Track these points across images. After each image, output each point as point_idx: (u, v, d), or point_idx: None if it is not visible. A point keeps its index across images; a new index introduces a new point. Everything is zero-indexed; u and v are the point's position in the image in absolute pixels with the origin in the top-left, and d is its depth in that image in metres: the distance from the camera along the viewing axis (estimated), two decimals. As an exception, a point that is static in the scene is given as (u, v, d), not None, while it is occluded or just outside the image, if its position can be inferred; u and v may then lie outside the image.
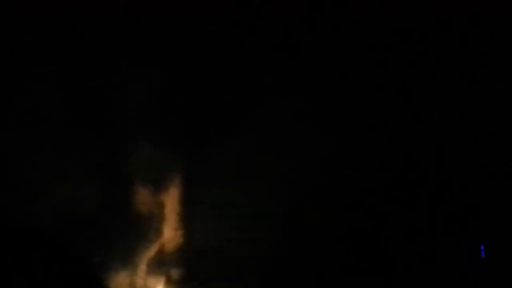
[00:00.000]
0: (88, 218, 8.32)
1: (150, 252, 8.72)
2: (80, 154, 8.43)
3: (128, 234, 8.56)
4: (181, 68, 8.71)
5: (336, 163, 9.05)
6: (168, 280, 8.77)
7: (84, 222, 8.28)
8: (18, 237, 7.11)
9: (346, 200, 9.03)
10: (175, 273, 8.80)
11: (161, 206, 8.78)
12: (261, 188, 8.69)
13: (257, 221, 8.60)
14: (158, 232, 8.74)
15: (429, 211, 8.97)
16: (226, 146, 8.70)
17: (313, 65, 8.91)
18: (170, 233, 8.78)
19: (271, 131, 8.85)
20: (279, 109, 8.81)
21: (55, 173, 8.24)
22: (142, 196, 8.67)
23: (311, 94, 8.90)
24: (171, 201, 8.77)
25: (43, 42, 8.17)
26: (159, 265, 8.76)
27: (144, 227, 8.68)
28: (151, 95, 8.61)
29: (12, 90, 8.28)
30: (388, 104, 9.13)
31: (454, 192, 9.00)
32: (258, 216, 8.64)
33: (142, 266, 8.67)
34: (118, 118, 8.55)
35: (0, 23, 8.07)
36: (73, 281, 7.08)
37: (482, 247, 8.85)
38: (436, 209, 8.97)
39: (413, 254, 8.88)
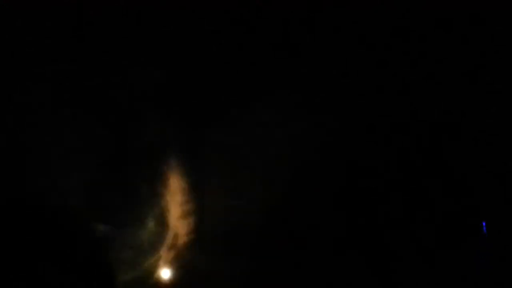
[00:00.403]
0: (95, 196, 8.38)
1: (156, 226, 8.78)
2: (87, 136, 8.48)
3: (134, 210, 8.63)
4: (183, 58, 8.73)
5: (335, 163, 9.08)
6: (173, 249, 8.84)
7: (91, 200, 8.32)
8: (24, 217, 7.09)
9: (344, 198, 9.08)
10: (181, 243, 8.87)
11: (166, 185, 8.83)
12: (261, 172, 8.78)
13: (259, 199, 8.71)
14: (164, 209, 8.81)
15: (427, 210, 8.99)
16: (228, 131, 8.77)
17: (312, 65, 8.91)
18: (176, 210, 8.84)
19: (272, 119, 8.88)
20: (278, 104, 8.84)
21: (60, 156, 8.29)
22: (149, 176, 8.75)
23: (310, 94, 8.91)
24: (176, 181, 8.82)
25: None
26: (164, 239, 8.83)
27: (149, 205, 8.75)
28: (156, 80, 8.64)
29: (15, 87, 8.30)
30: (388, 104, 9.13)
31: (454, 191, 9.02)
32: (259, 194, 8.73)
33: (148, 239, 8.74)
34: (123, 101, 8.59)
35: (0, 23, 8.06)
36: (78, 257, 7.04)
37: (484, 223, 8.86)
38: (435, 208, 8.99)
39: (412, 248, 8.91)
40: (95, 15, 8.42)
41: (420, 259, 8.86)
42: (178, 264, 8.88)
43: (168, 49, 8.61)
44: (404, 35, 9.05)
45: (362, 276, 8.85)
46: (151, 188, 8.73)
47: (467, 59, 9.02)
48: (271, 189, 8.77)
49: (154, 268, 8.81)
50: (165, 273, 8.85)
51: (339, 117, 9.06)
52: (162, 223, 8.81)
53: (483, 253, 8.78)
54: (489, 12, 8.83)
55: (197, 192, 8.82)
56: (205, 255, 8.78)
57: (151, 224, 8.73)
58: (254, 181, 8.76)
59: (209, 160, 8.84)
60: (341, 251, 8.94)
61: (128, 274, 8.46)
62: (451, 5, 8.82)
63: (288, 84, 8.79)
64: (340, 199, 9.08)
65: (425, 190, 9.03)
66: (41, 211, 7.05)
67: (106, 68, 8.39)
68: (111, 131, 8.59)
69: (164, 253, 8.84)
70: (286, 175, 8.83)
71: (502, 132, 9.04)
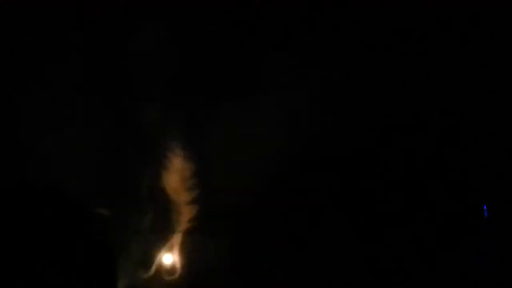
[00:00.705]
0: (97, 178, 8.32)
1: (159, 211, 8.74)
2: (86, 119, 8.42)
3: (136, 194, 8.58)
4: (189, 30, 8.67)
5: (335, 163, 9.09)
6: (177, 233, 8.81)
7: (92, 180, 8.25)
8: (24, 195, 6.98)
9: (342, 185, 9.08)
10: (184, 228, 8.84)
11: (169, 170, 8.78)
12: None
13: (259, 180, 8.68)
14: (168, 193, 8.77)
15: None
16: (231, 119, 8.74)
17: (312, 64, 8.91)
18: (180, 194, 8.80)
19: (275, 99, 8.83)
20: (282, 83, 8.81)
21: (60, 133, 8.22)
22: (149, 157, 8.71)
23: (310, 95, 8.91)
24: (180, 166, 8.79)
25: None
26: (166, 222, 8.80)
27: (152, 189, 8.72)
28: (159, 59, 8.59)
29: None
30: (388, 104, 9.14)
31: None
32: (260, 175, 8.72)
33: (151, 224, 8.70)
34: (125, 80, 8.54)
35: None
36: (79, 243, 6.92)
37: (485, 207, 8.86)
38: (435, 208, 8.98)
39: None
40: (95, 14, 8.42)
41: (420, 259, 8.85)
42: (181, 249, 8.85)
43: (168, 35, 8.56)
44: (404, 35, 9.06)
45: (361, 276, 8.84)
46: (153, 172, 8.70)
47: (467, 59, 9.03)
48: (271, 182, 8.77)
49: (156, 253, 8.78)
50: (167, 258, 8.83)
51: (340, 116, 9.06)
52: (165, 207, 8.77)
53: (483, 253, 8.77)
54: (489, 12, 8.85)
55: (201, 176, 8.78)
56: (208, 240, 8.75)
57: (154, 208, 8.69)
58: (256, 170, 8.72)
59: (213, 146, 8.81)
60: (341, 251, 8.93)
61: (130, 259, 8.43)
62: (451, 5, 8.84)
63: (288, 82, 8.80)
64: (340, 199, 9.07)
65: (425, 190, 9.03)
66: (41, 197, 6.97)
67: (108, 52, 8.37)
68: (112, 114, 8.54)
69: (168, 237, 8.81)
70: (284, 173, 8.84)
71: (502, 132, 9.05)
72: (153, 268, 8.74)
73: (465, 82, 9.05)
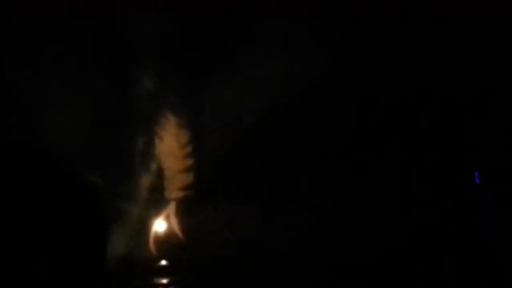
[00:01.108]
0: (88, 143, 8.28)
1: (152, 178, 8.73)
2: (78, 82, 8.39)
3: (128, 158, 8.55)
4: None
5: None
6: (170, 201, 8.78)
7: (83, 145, 8.21)
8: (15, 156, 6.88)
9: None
10: (176, 194, 8.80)
11: (164, 137, 8.79)
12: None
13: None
14: (161, 161, 8.76)
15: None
16: (228, 83, 8.70)
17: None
18: (172, 159, 8.79)
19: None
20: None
21: (56, 95, 8.20)
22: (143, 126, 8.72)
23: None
24: (174, 132, 8.78)
25: None
26: (160, 189, 8.77)
27: (145, 157, 8.70)
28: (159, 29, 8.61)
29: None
30: (387, 106, 9.16)
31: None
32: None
33: (143, 189, 8.67)
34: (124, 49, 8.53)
35: None
36: (69, 210, 6.82)
37: (476, 173, 8.81)
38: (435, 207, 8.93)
39: None
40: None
41: (421, 259, 8.77)
42: (175, 217, 8.82)
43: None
44: (404, 35, 9.12)
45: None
46: (147, 138, 8.71)
47: (467, 58, 9.08)
48: (266, 151, 8.73)
49: (149, 221, 8.76)
50: (160, 226, 8.78)
51: (338, 120, 9.07)
52: (159, 175, 8.77)
53: (483, 252, 8.71)
54: (489, 12, 8.93)
55: (195, 144, 8.80)
56: (202, 208, 8.72)
57: (147, 176, 8.70)
58: (251, 139, 8.70)
59: (208, 113, 8.82)
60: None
61: (122, 227, 8.40)
62: (451, 5, 8.92)
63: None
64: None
65: (424, 188, 9.00)
66: (28, 162, 6.88)
67: (102, 17, 8.40)
68: (105, 79, 8.53)
69: (161, 205, 8.80)
70: (280, 144, 8.79)
71: (502, 132, 9.07)
72: (146, 236, 8.73)
73: (465, 81, 9.11)
